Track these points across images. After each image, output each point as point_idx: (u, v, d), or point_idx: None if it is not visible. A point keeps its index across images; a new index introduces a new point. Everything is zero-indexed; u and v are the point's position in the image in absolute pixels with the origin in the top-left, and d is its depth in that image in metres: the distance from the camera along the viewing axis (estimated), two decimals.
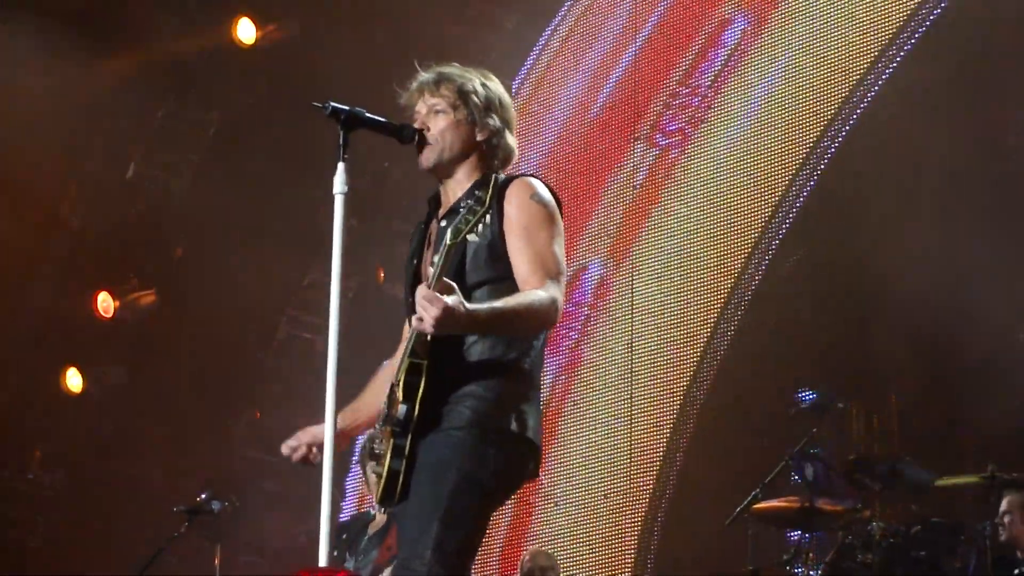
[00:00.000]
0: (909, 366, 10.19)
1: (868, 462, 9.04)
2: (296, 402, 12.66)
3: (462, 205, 4.67)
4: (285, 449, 5.13)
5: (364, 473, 7.98)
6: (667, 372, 11.13)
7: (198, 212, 12.36)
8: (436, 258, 4.81)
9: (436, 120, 5.01)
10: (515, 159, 5.13)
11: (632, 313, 11.26)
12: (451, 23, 12.13)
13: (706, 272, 11.08)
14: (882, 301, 10.14)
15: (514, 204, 4.88)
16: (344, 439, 5.12)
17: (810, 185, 10.84)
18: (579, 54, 12.19)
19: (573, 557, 11.15)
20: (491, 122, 5.02)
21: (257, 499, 12.28)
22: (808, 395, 9.85)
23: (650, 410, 11.12)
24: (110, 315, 12.51)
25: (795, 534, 9.29)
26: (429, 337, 4.74)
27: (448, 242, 4.61)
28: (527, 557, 9.84)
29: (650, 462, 11.08)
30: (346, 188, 5.06)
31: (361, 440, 7.83)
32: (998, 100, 10.28)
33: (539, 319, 4.78)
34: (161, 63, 12.10)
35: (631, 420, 11.10)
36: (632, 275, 11.36)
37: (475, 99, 5.01)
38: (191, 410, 12.42)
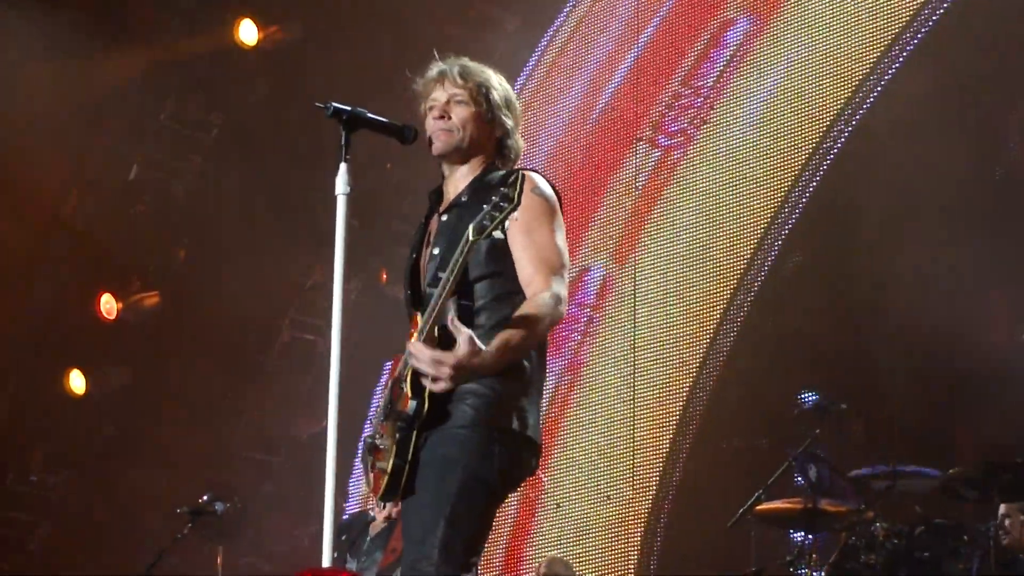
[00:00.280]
0: (910, 367, 10.18)
1: (870, 464, 9.04)
2: (298, 404, 12.69)
3: (486, 202, 4.65)
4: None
5: (365, 468, 7.97)
6: (670, 373, 11.12)
7: (201, 214, 12.38)
8: (435, 251, 4.84)
9: (458, 109, 5.02)
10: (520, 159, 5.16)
11: (635, 314, 11.25)
12: (452, 24, 12.13)
13: (709, 273, 11.07)
14: (884, 302, 10.13)
15: None
16: None
17: (813, 186, 10.83)
18: (581, 55, 12.19)
19: (577, 559, 11.14)
20: (507, 120, 5.06)
21: (259, 500, 12.30)
22: (810, 397, 9.85)
23: (653, 411, 11.11)
24: (113, 317, 12.52)
25: (798, 535, 9.28)
26: (437, 332, 4.75)
27: (471, 238, 4.61)
28: (544, 563, 9.80)
29: (653, 464, 11.07)
30: (348, 189, 5.07)
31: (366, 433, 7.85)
32: (1000, 103, 10.27)
33: (547, 323, 4.80)
34: (164, 65, 12.11)
35: (634, 421, 11.10)
36: (635, 276, 11.35)
37: (495, 96, 5.05)
38: (194, 412, 12.42)
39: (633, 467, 11.06)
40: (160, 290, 12.62)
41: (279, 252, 12.22)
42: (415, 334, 4.81)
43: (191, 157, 12.52)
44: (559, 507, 11.42)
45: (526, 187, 4.74)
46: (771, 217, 10.92)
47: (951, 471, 8.67)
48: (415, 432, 4.79)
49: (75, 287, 12.43)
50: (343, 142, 5.10)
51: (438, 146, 5.03)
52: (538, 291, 4.80)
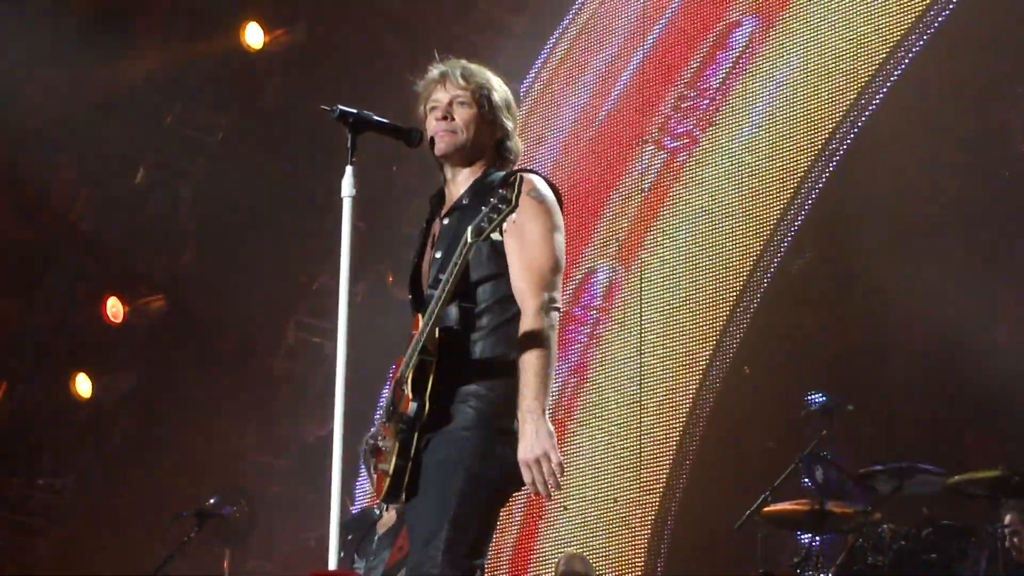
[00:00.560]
0: (917, 368, 10.17)
1: (878, 464, 9.02)
2: (305, 406, 12.69)
3: (484, 203, 4.66)
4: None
5: (368, 470, 7.97)
6: (677, 375, 11.12)
7: (207, 217, 12.38)
8: (437, 254, 4.84)
9: (460, 110, 5.03)
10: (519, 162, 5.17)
11: (641, 316, 11.25)
12: (459, 27, 12.14)
13: (715, 275, 11.06)
14: (891, 303, 10.12)
15: None
16: None
17: (819, 187, 10.83)
18: (587, 57, 12.19)
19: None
20: (507, 122, 5.07)
21: (266, 503, 12.31)
22: (817, 398, 9.84)
23: (660, 413, 11.10)
24: (119, 320, 12.52)
25: (805, 537, 9.27)
26: (438, 334, 4.75)
27: (469, 240, 4.61)
28: (562, 560, 9.79)
29: (660, 465, 11.06)
30: (354, 191, 5.06)
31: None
32: (1007, 104, 10.26)
33: (552, 334, 4.78)
34: (171, 68, 12.11)
35: (640, 423, 11.09)
36: (641, 278, 11.35)
37: (496, 97, 5.06)
38: (200, 415, 12.42)
39: (640, 468, 11.05)
40: (166, 293, 12.62)
41: (285, 255, 12.23)
42: (416, 336, 4.82)
43: (198, 160, 12.53)
44: (566, 509, 11.41)
45: (524, 189, 4.73)
46: (778, 218, 10.91)
47: (958, 477, 8.65)
48: (416, 434, 4.79)
49: (81, 291, 12.44)
50: (349, 145, 5.11)
51: (441, 147, 5.03)
52: (529, 309, 4.79)
